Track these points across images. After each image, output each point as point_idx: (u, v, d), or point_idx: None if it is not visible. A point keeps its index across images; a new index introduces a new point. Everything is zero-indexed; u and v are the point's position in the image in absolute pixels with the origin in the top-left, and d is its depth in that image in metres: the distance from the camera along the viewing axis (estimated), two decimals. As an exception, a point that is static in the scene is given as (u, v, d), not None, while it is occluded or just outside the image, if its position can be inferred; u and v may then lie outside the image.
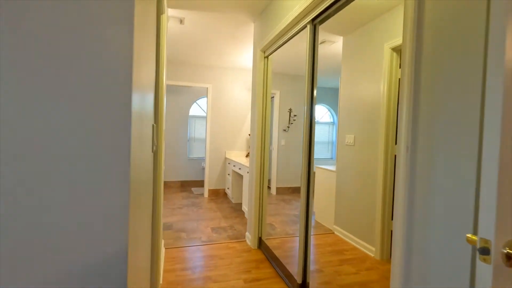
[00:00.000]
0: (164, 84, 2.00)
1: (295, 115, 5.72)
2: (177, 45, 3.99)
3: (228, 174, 4.98)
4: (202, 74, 5.03)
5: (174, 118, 5.91)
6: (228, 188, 4.99)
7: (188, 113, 6.03)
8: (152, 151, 1.32)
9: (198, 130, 6.19)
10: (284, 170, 5.60)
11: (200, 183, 6.10)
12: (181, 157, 5.98)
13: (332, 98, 7.21)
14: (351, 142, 3.13)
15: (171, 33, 3.54)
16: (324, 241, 3.12)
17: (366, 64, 2.89)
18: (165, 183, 5.86)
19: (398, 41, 2.46)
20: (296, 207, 4.57)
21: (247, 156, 5.18)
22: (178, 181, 5.97)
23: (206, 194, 5.14)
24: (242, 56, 4.45)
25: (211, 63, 4.92)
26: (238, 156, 5.14)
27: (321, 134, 7.31)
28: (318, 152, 7.26)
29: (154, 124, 1.27)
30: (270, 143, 4.61)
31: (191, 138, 6.15)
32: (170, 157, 5.89)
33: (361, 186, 2.89)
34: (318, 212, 3.85)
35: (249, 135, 5.20)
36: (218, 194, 5.22)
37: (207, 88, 5.08)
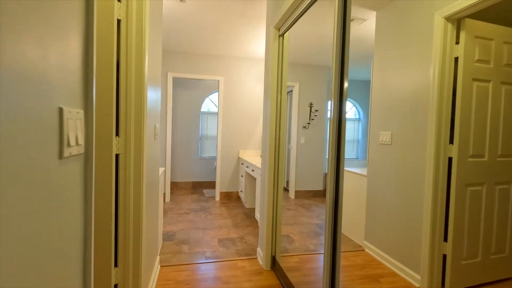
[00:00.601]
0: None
1: (316, 110, 5.13)
2: (182, 32, 3.56)
3: (241, 176, 4.50)
4: (212, 65, 4.58)
5: (185, 114, 5.52)
6: (241, 191, 4.51)
7: (200, 109, 5.62)
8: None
9: (210, 127, 5.77)
10: (304, 172, 5.04)
11: (213, 184, 5.68)
12: (193, 156, 5.59)
13: (358, 91, 6.49)
14: (387, 140, 2.53)
15: (172, 17, 3.10)
16: (352, 261, 2.56)
17: (408, 43, 2.28)
18: (175, 184, 5.50)
19: (457, 5, 1.84)
20: (318, 215, 4.01)
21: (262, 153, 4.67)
22: (189, 182, 5.58)
23: (217, 198, 4.70)
24: (256, 44, 3.95)
25: (222, 52, 4.45)
26: (252, 156, 4.64)
27: (346, 132, 6.52)
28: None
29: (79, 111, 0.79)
30: (288, 142, 4.05)
31: (203, 136, 5.74)
32: (180, 157, 5.52)
33: (400, 195, 2.30)
34: (344, 223, 3.28)
35: (265, 132, 4.69)
36: (231, 198, 4.76)
37: (219, 81, 4.62)
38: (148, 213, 1.80)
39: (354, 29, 3.46)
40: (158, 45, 2.09)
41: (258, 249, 2.61)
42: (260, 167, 3.17)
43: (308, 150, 4.95)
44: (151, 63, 1.77)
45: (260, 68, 4.77)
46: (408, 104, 2.28)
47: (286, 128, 2.82)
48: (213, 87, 5.63)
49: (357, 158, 6.63)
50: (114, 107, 1.45)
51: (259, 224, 3.13)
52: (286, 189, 4.76)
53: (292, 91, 4.36)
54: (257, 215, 3.40)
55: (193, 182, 5.60)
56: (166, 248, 2.73)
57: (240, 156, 4.69)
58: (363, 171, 3.15)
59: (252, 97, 4.76)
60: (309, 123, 4.93)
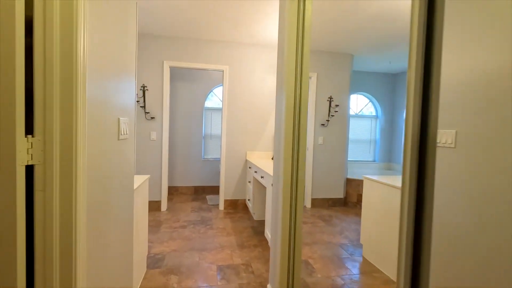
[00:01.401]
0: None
1: (337, 105, 4.41)
2: (179, 14, 2.93)
3: (249, 182, 3.85)
4: (215, 53, 3.94)
5: (186, 110, 4.91)
6: (248, 200, 3.87)
7: (203, 104, 5.00)
8: None
9: (215, 125, 5.14)
10: (322, 177, 4.35)
11: (217, 189, 5.05)
12: (195, 158, 4.98)
13: (375, 85, 5.71)
14: (448, 142, 1.84)
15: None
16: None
17: (474, 9, 1.58)
18: (175, 189, 4.90)
19: None
20: (341, 231, 3.31)
21: (273, 158, 4.01)
22: (191, 186, 4.97)
23: (221, 206, 4.07)
24: (266, 27, 3.28)
25: (227, 37, 3.81)
26: (262, 159, 3.99)
27: (360, 130, 5.85)
28: (356, 153, 5.80)
29: None
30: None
31: (207, 135, 5.12)
32: (181, 158, 4.91)
33: (471, 219, 1.61)
34: (367, 245, 2.59)
35: (277, 131, 4.01)
36: (237, 206, 4.12)
37: (223, 71, 3.98)
38: (103, 249, 1.17)
39: (375, 6, 2.75)
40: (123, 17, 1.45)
41: (269, 286, 1.96)
42: (272, 174, 2.51)
43: (327, 152, 4.25)
44: (104, 37, 1.13)
45: (271, 56, 4.10)
46: (481, 92, 1.58)
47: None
48: (218, 80, 5.00)
49: (374, 161, 5.84)
50: (19, 87, 0.83)
51: (270, 250, 2.48)
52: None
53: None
54: (268, 233, 2.74)
55: (195, 187, 4.99)
56: (150, 280, 2.11)
57: (248, 158, 4.04)
58: (394, 181, 2.45)
59: (261, 90, 4.10)
60: (328, 120, 4.23)
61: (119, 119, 1.37)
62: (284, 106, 1.72)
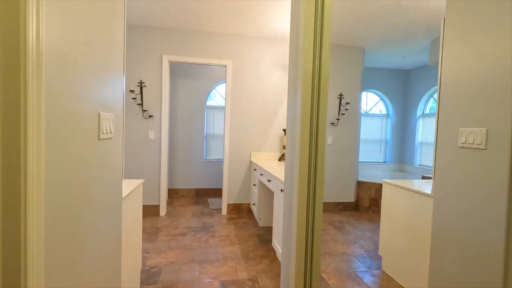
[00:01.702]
0: None
1: (347, 103, 4.12)
2: (179, 5, 2.68)
3: (254, 185, 3.59)
4: (218, 46, 3.68)
5: (187, 109, 4.66)
6: (253, 204, 3.60)
7: (205, 102, 4.74)
8: None
9: (217, 125, 4.88)
10: (332, 179, 4.07)
11: (220, 192, 4.79)
12: (196, 159, 4.72)
13: (387, 81, 5.39)
14: (477, 141, 1.54)
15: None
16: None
17: None
18: (175, 191, 4.65)
19: None
20: (355, 239, 3.03)
21: (280, 159, 3.75)
22: (192, 189, 4.72)
23: (224, 211, 3.81)
24: (273, 18, 3.01)
25: (229, 29, 3.54)
26: (268, 160, 3.72)
27: (370, 130, 5.38)
28: (366, 153, 5.43)
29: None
30: None
31: (209, 135, 4.86)
32: (182, 159, 4.66)
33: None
34: (387, 257, 2.31)
35: (284, 130, 3.74)
36: (241, 211, 3.86)
37: (226, 66, 3.72)
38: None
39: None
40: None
41: (280, 310, 1.69)
42: (281, 178, 2.25)
43: (337, 153, 3.97)
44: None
45: (278, 50, 3.83)
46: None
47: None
48: (221, 76, 4.74)
49: (385, 162, 5.51)
50: None
51: (282, 265, 2.22)
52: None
53: None
54: (276, 244, 2.47)
55: (196, 190, 4.73)
56: (143, 300, 1.85)
57: (253, 159, 3.77)
58: (418, 186, 2.17)
59: (267, 86, 3.83)
60: (338, 119, 3.95)
61: (99, 114, 1.11)
62: (300, 98, 1.45)
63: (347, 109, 3.99)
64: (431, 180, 2.36)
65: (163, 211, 3.65)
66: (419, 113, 5.01)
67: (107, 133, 1.19)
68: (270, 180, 2.72)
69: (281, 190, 2.21)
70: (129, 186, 1.82)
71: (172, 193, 4.63)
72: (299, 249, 1.49)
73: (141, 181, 2.00)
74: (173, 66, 4.50)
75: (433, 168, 1.83)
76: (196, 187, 4.73)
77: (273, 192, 3.25)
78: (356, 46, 4.00)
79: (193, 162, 4.71)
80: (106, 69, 1.17)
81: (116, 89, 1.33)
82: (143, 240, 2.82)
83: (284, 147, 3.75)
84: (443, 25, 1.77)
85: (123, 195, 1.58)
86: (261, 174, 3.12)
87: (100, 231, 1.12)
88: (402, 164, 5.33)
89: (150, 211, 3.60)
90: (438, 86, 1.82)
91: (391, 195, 2.32)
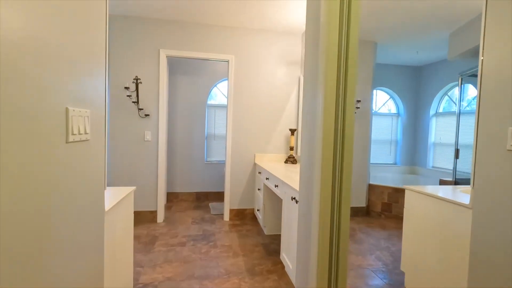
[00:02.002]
0: None
1: (358, 101, 3.85)
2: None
3: (259, 189, 3.33)
4: (219, 40, 3.42)
5: (186, 108, 4.40)
6: (258, 210, 3.34)
7: (206, 101, 4.48)
8: None
9: (219, 124, 4.62)
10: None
11: (222, 196, 4.54)
12: (197, 160, 4.46)
13: (398, 79, 5.10)
14: None
15: None
16: None
17: None
18: (175, 195, 4.39)
19: None
20: (371, 250, 2.75)
21: (287, 161, 3.48)
22: (193, 192, 4.46)
23: (226, 216, 3.55)
24: (280, 9, 2.75)
25: (232, 22, 3.28)
26: (273, 162, 3.46)
27: (380, 130, 5.04)
28: (375, 154, 4.95)
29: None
30: None
31: (210, 135, 4.60)
32: (181, 161, 4.40)
33: None
34: (411, 272, 2.04)
35: (291, 130, 3.48)
36: (244, 217, 3.60)
37: (228, 61, 3.46)
38: None
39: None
40: None
41: None
42: (291, 183, 1.99)
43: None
44: None
45: (285, 45, 3.56)
46: None
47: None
48: (223, 73, 4.48)
49: (395, 164, 5.19)
50: None
51: (289, 270, 1.97)
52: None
53: None
54: (285, 258, 2.21)
55: (197, 193, 4.48)
56: (133, 327, 1.59)
57: (257, 162, 3.51)
58: (446, 193, 1.90)
59: (272, 83, 3.57)
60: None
61: (67, 109, 0.85)
62: (322, 84, 1.19)
63: (358, 108, 3.72)
64: (463, 186, 2.10)
65: (160, 217, 3.39)
66: (432, 112, 4.74)
67: (79, 134, 0.94)
68: (277, 186, 2.46)
69: (293, 199, 1.94)
70: (117, 194, 1.56)
71: (171, 197, 4.38)
72: (321, 272, 1.23)
73: (131, 188, 1.75)
74: (172, 62, 4.25)
75: (471, 175, 1.56)
76: (196, 190, 4.48)
77: (280, 198, 2.99)
78: (368, 40, 3.73)
79: (194, 164, 4.45)
80: (81, 58, 0.92)
81: (95, 80, 1.07)
82: (137, 251, 2.56)
83: (291, 149, 3.48)
84: (485, 5, 1.51)
85: (108, 207, 1.33)
86: (267, 178, 2.86)
87: (68, 266, 0.86)
88: (413, 166, 5.06)
89: (146, 218, 3.35)
90: (478, 79, 1.55)
91: (415, 204, 2.05)
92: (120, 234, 1.54)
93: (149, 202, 3.35)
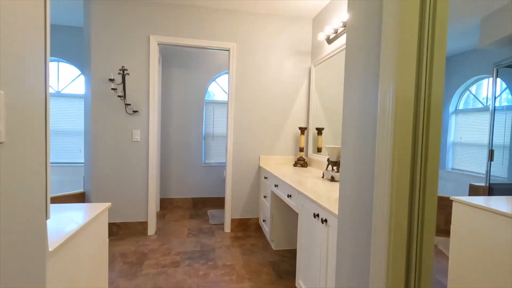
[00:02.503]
0: None
1: None
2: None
3: (264, 197, 2.90)
4: (219, 25, 2.98)
5: (182, 104, 3.96)
6: (264, 221, 2.91)
7: (204, 97, 4.04)
8: None
9: (218, 123, 4.19)
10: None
11: (221, 202, 4.10)
12: (194, 162, 4.02)
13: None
14: None
15: None
16: None
17: None
18: (169, 201, 3.95)
19: None
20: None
21: (296, 164, 3.05)
22: (189, 198, 4.02)
23: (227, 227, 3.11)
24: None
25: (234, 5, 2.85)
26: (280, 165, 3.03)
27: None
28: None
29: None
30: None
31: (208, 134, 4.16)
32: (177, 163, 3.96)
33: None
34: None
35: (301, 129, 3.05)
36: (248, 228, 3.16)
37: (229, 50, 3.02)
38: None
39: None
40: None
41: None
42: (312, 196, 1.56)
43: None
44: None
45: (294, 32, 3.13)
46: None
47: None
48: (222, 66, 4.04)
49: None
50: None
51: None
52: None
53: None
54: (302, 285, 1.78)
55: (194, 199, 4.04)
56: None
57: (262, 165, 3.08)
58: (497, 207, 1.48)
59: (279, 75, 3.14)
60: None
61: None
62: (393, 87, 0.76)
63: None
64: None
65: (152, 229, 2.95)
66: (451, 109, 4.33)
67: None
68: (291, 196, 2.03)
69: (316, 216, 1.51)
70: (88, 213, 1.13)
71: (165, 204, 3.93)
72: None
73: (105, 205, 1.31)
74: (165, 53, 3.81)
75: None
76: (193, 196, 4.04)
77: (293, 210, 2.57)
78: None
79: (190, 167, 4.01)
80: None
81: (20, 45, 0.64)
82: (121, 274, 2.12)
83: (300, 150, 3.06)
84: None
85: (68, 234, 0.89)
86: (275, 185, 2.43)
87: None
88: None
89: (135, 230, 2.91)
90: None
91: (467, 219, 1.63)
92: (86, 273, 1.11)
93: (139, 211, 2.91)
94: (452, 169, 4.31)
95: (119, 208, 2.86)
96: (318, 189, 1.80)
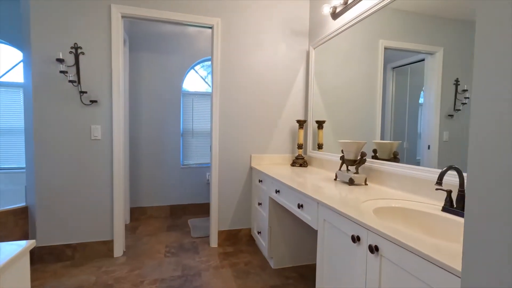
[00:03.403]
0: None
1: (464, 90, 2.99)
2: None
3: (259, 204, 2.41)
4: (201, -4, 2.44)
5: (155, 96, 3.35)
6: (258, 233, 2.42)
7: (181, 87, 3.46)
8: None
9: (199, 117, 3.63)
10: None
11: (203, 209, 3.56)
12: (171, 164, 3.44)
13: None
14: None
15: None
16: None
17: None
18: (143, 211, 3.35)
19: None
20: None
21: (294, 163, 2.60)
22: (166, 206, 3.44)
23: (214, 242, 2.59)
24: None
25: (220, -30, 2.33)
26: (276, 165, 2.55)
27: None
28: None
29: None
30: (419, 137, 1.88)
31: (187, 131, 3.59)
32: (149, 165, 3.36)
33: None
34: None
35: (299, 122, 2.60)
36: (238, 241, 2.66)
37: (212, 27, 2.49)
38: None
39: None
40: None
41: None
42: (339, 207, 1.09)
43: (456, 153, 2.88)
44: None
45: (289, 7, 2.66)
46: None
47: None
48: (203, 50, 3.49)
49: None
50: None
51: None
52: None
53: (425, 60, 2.07)
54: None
55: (171, 207, 3.46)
56: None
57: (254, 165, 2.59)
58: None
59: (273, 59, 2.66)
60: (458, 110, 2.84)
61: None
62: None
63: (468, 98, 2.91)
64: None
65: (119, 249, 2.36)
66: None
67: None
68: (302, 206, 1.56)
69: (357, 240, 1.05)
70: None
71: (137, 214, 3.32)
72: None
73: (24, 245, 0.75)
74: (133, 33, 3.19)
75: None
76: (170, 203, 3.46)
77: (297, 218, 2.13)
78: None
79: (166, 169, 3.42)
80: None
81: None
82: (74, 323, 1.54)
83: (299, 147, 2.60)
84: None
85: None
86: (277, 191, 1.95)
87: None
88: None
89: (97, 252, 2.30)
90: None
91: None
92: None
93: (101, 227, 2.31)
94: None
95: (74, 225, 2.24)
96: (340, 197, 1.35)
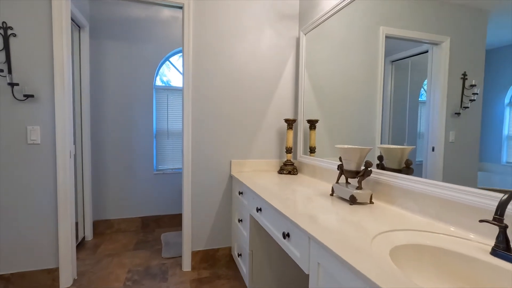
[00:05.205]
0: None
1: (472, 85, 2.55)
2: None
3: (240, 221, 2.00)
4: (167, -32, 2.00)
5: (122, 91, 2.90)
6: (239, 255, 2.01)
7: (153, 80, 3.01)
8: None
9: (175, 116, 3.19)
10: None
11: (179, 220, 3.13)
12: (142, 170, 2.99)
13: None
14: None
15: None
16: None
17: None
18: (109, 224, 2.90)
19: None
20: None
21: (282, 171, 2.19)
22: (136, 218, 3.00)
23: (187, 265, 2.17)
24: None
25: None
26: (260, 172, 2.14)
27: None
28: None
29: None
30: (420, 137, 1.44)
31: (161, 131, 3.15)
32: (116, 171, 2.91)
33: None
34: None
35: (288, 122, 2.19)
36: (216, 263, 2.24)
37: (182, 7, 2.06)
38: None
39: None
40: None
41: None
42: (344, 255, 0.66)
43: (463, 154, 2.49)
44: None
45: (273, -14, 2.25)
46: None
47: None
48: (178, 40, 3.04)
49: None
50: None
51: None
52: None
53: (428, 51, 1.62)
54: None
55: (143, 219, 3.02)
56: None
57: (234, 173, 2.18)
58: None
59: (257, 47, 2.24)
60: (467, 107, 2.46)
61: None
62: None
63: (477, 94, 2.52)
64: None
65: (66, 278, 1.91)
66: (506, 100, 3.77)
67: None
68: (288, 236, 1.16)
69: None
70: None
71: (103, 227, 2.87)
72: None
73: None
74: (95, 17, 2.73)
75: None
76: (142, 214, 3.02)
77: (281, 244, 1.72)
78: (480, 8, 2.56)
79: (137, 175, 2.98)
80: None
81: None
82: None
83: (287, 151, 2.20)
84: None
85: None
86: (258, 209, 1.54)
87: None
88: (480, 162, 4.06)
89: (38, 283, 1.85)
90: None
91: None
92: None
93: (43, 253, 1.87)
94: (507, 162, 3.76)
95: (8, 250, 1.79)
96: (340, 228, 0.95)
